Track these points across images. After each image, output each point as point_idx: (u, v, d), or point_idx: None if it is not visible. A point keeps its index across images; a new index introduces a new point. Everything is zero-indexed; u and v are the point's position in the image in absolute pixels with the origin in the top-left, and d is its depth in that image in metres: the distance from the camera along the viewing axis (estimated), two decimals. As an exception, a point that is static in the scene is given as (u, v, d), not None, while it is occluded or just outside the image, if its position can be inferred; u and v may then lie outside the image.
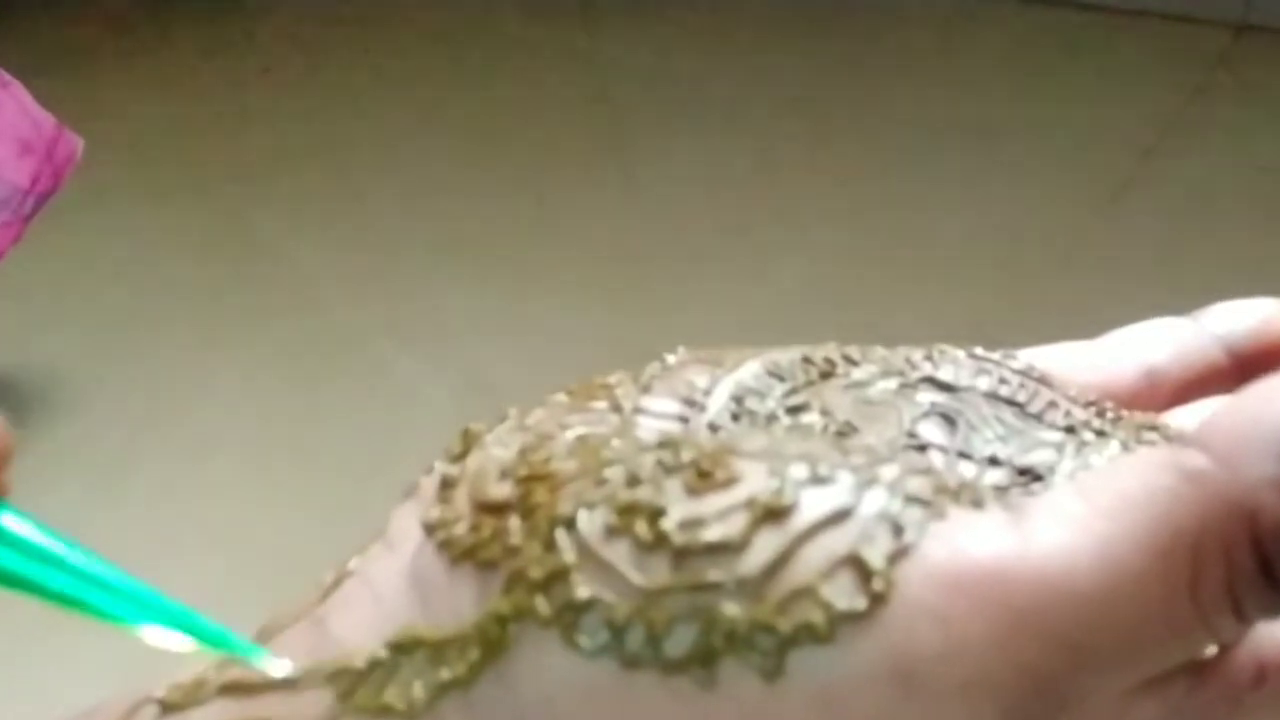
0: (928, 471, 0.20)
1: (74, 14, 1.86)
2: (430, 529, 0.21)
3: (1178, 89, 1.62)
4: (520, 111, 1.63)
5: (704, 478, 0.19)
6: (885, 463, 0.20)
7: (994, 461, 0.23)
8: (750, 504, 0.19)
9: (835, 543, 0.18)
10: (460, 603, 0.20)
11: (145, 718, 0.21)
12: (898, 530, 0.18)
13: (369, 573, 0.22)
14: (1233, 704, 0.20)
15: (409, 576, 0.21)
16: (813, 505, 0.19)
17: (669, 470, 0.20)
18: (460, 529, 0.21)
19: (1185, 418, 0.27)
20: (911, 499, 0.19)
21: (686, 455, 0.20)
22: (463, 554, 0.20)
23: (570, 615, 0.19)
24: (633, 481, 0.20)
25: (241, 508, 1.08)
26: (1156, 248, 1.31)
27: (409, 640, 0.20)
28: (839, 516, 0.19)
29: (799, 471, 0.19)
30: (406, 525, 0.22)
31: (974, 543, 0.18)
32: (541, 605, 0.19)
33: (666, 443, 0.20)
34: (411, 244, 1.40)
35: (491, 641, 0.19)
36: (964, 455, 0.23)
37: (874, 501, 0.19)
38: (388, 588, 0.21)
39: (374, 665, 0.20)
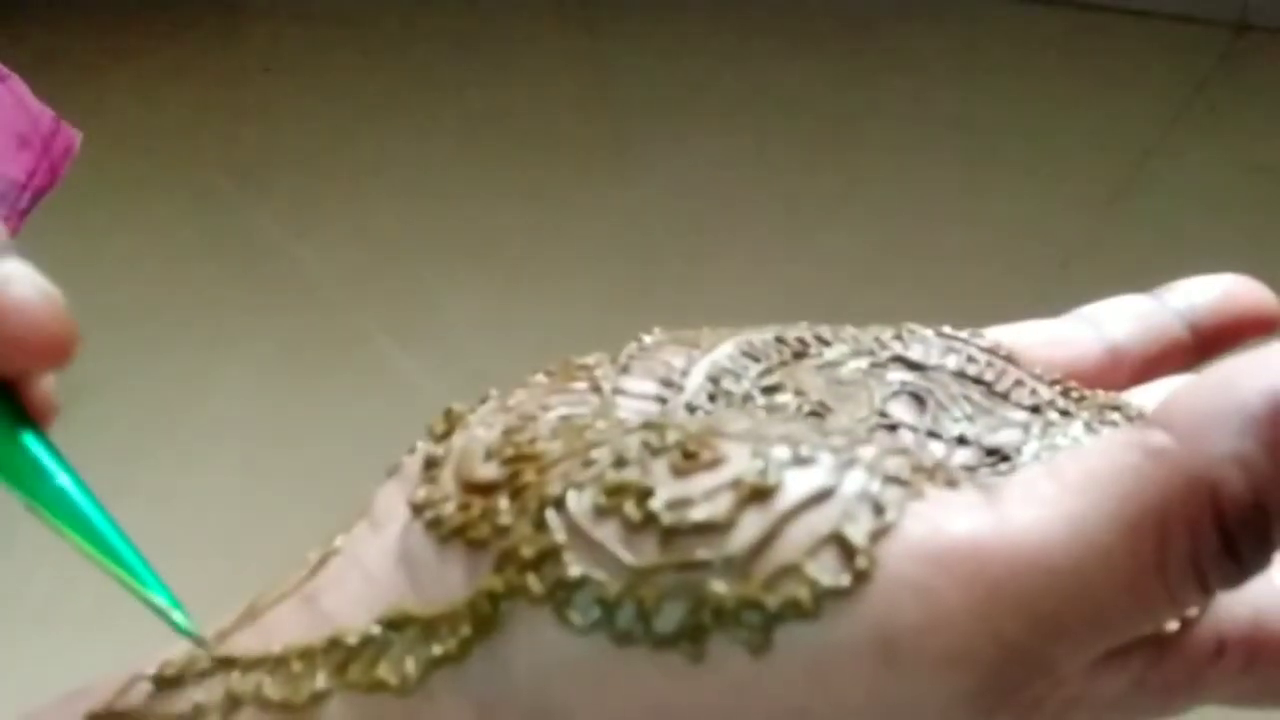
0: (904, 452, 0.20)
1: (74, 13, 1.86)
2: (418, 508, 0.21)
3: (1178, 89, 1.62)
4: (520, 111, 1.63)
5: (690, 459, 0.20)
6: (864, 444, 0.20)
7: (962, 441, 0.24)
8: (736, 484, 0.19)
9: (819, 522, 0.19)
10: (450, 581, 0.20)
11: (137, 695, 0.21)
12: (879, 509, 0.19)
13: (357, 551, 0.22)
14: (1194, 677, 0.21)
15: (397, 555, 0.21)
16: (796, 485, 0.19)
17: (655, 451, 0.20)
18: (448, 508, 0.21)
19: (1146, 397, 0.27)
20: (890, 478, 0.19)
21: (672, 437, 0.20)
22: (452, 533, 0.21)
23: (562, 593, 0.19)
24: (620, 463, 0.20)
25: (242, 505, 1.08)
26: (1156, 248, 1.31)
27: (400, 617, 0.20)
28: (821, 496, 0.19)
29: (782, 453, 0.20)
30: (392, 504, 0.23)
31: (952, 520, 0.19)
32: (534, 583, 0.19)
33: (651, 424, 0.21)
34: (411, 244, 1.40)
35: (483, 618, 0.20)
36: (933, 435, 0.24)
37: (855, 481, 0.19)
38: (377, 566, 0.21)
39: (366, 641, 0.20)
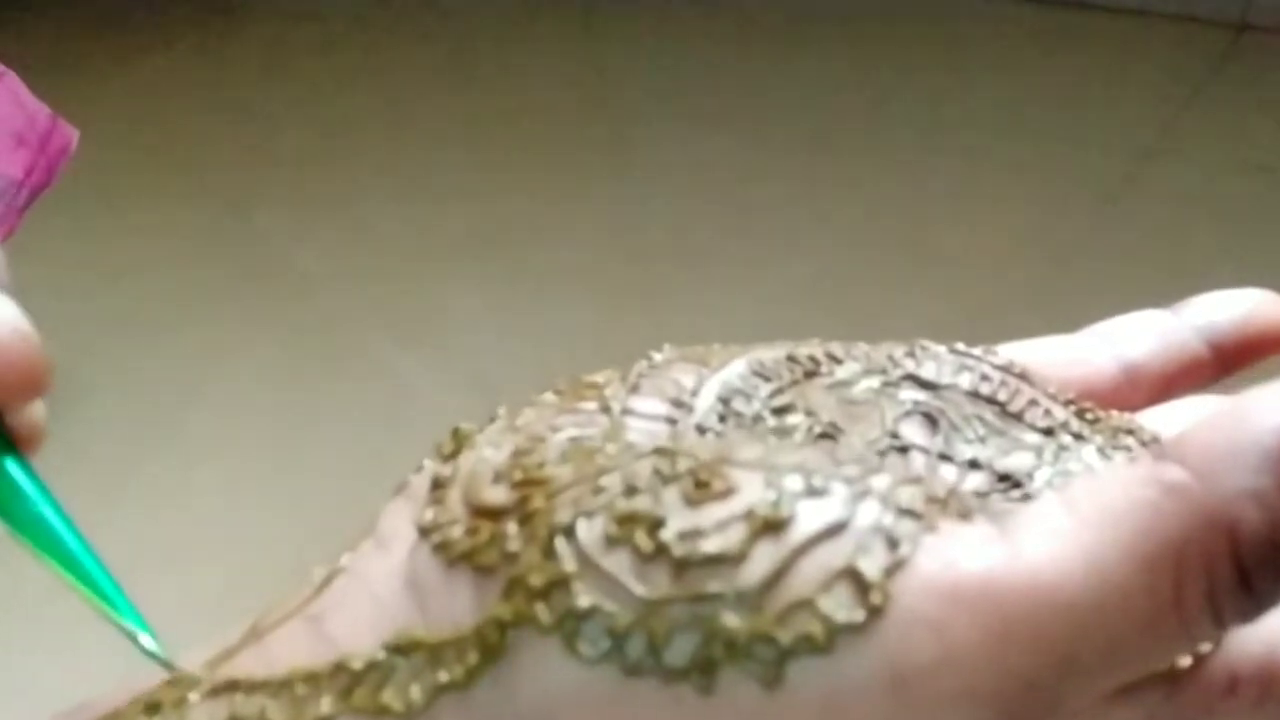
0: (917, 481, 0.20)
1: (74, 13, 1.86)
2: (425, 531, 0.21)
3: (1178, 89, 1.62)
4: (520, 111, 1.63)
5: (701, 488, 0.20)
6: (876, 473, 0.20)
7: (974, 465, 0.23)
8: (748, 516, 0.19)
9: (832, 556, 0.19)
10: (457, 606, 0.20)
11: (136, 713, 0.21)
12: (892, 543, 0.19)
13: (363, 572, 0.22)
14: (1207, 712, 0.21)
15: (404, 578, 0.21)
16: (809, 518, 0.19)
17: (666, 479, 0.20)
18: (456, 532, 0.21)
19: (1162, 419, 0.27)
20: (904, 511, 0.19)
21: (683, 464, 0.20)
22: (459, 557, 0.20)
23: (572, 623, 0.19)
24: (630, 490, 0.20)
25: (241, 507, 1.08)
26: (1156, 248, 1.31)
27: (406, 642, 0.20)
28: (835, 529, 0.19)
29: (794, 483, 0.19)
30: (398, 523, 0.22)
31: (966, 555, 0.19)
32: (542, 612, 0.19)
33: (661, 450, 0.21)
34: (411, 244, 1.40)
35: (490, 646, 0.19)
36: (945, 457, 0.24)
37: (868, 514, 0.19)
38: (383, 588, 0.21)
39: (371, 666, 0.20)
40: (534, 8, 1.87)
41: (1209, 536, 0.18)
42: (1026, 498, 0.23)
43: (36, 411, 0.25)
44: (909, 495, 0.20)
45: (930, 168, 1.50)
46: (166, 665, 0.22)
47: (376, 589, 0.21)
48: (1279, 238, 1.33)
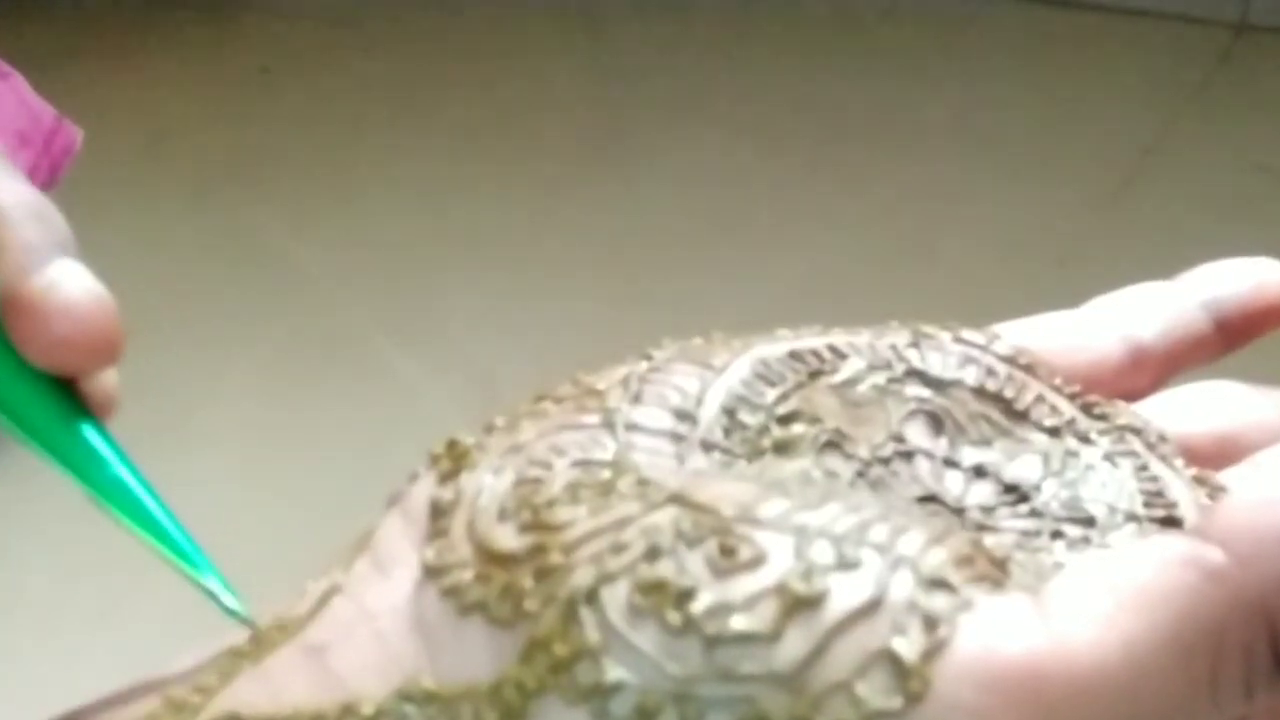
0: (943, 537, 0.20)
1: (73, 13, 1.86)
2: (432, 571, 0.21)
3: (1178, 89, 1.62)
4: (521, 111, 1.63)
5: (728, 555, 0.19)
6: (903, 532, 0.20)
7: (980, 472, 0.23)
8: (780, 591, 0.19)
9: (867, 637, 0.18)
10: (470, 658, 0.20)
11: None
12: (930, 623, 0.18)
13: (364, 599, 0.21)
14: None
15: (411, 618, 0.21)
16: (842, 595, 0.19)
17: (690, 542, 0.19)
18: (466, 576, 0.20)
19: (1164, 408, 0.27)
20: (937, 582, 0.19)
21: (706, 523, 0.19)
22: (471, 606, 0.20)
23: (600, 698, 0.18)
24: (653, 553, 0.19)
25: (241, 508, 1.07)
26: (1156, 248, 1.31)
27: (419, 692, 0.20)
28: (869, 608, 0.19)
29: (824, 554, 0.19)
30: (397, 545, 0.22)
31: (1004, 638, 0.19)
32: (568, 684, 0.19)
33: (680, 499, 0.20)
34: (411, 244, 1.40)
35: (511, 708, 0.19)
36: (950, 463, 0.23)
37: (901, 588, 0.19)
38: (389, 626, 0.21)
39: (381, 713, 0.20)
40: (534, 7, 1.87)
41: (1248, 624, 0.19)
42: (1034, 513, 0.23)
43: (110, 379, 0.25)
44: (937, 561, 0.19)
45: (929, 167, 1.50)
46: (249, 624, 0.22)
47: (381, 625, 0.21)
48: (1279, 238, 1.33)
